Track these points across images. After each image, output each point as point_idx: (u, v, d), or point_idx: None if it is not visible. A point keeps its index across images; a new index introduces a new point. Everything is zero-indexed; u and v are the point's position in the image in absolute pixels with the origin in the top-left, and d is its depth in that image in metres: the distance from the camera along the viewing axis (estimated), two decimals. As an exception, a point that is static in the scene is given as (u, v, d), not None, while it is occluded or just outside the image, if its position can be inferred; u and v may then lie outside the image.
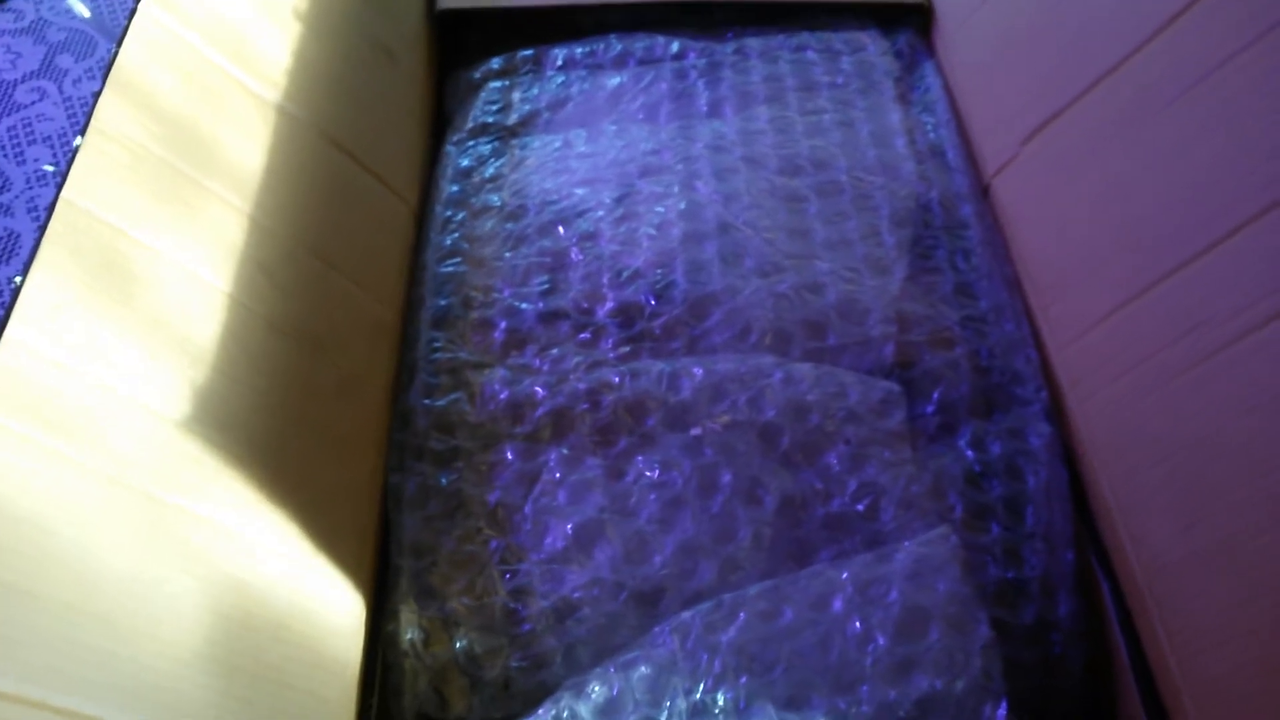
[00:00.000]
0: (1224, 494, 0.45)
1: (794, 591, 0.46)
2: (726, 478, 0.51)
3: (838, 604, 0.46)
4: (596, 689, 0.43)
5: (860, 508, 0.50)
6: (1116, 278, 0.53)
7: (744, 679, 0.43)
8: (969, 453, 0.52)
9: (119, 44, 0.48)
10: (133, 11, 0.50)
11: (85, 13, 0.48)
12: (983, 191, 0.65)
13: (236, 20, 0.53)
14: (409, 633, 0.47)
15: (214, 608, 0.40)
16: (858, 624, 0.45)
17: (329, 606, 0.46)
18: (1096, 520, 0.51)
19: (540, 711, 0.44)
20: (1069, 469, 0.52)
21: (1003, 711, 0.43)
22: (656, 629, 0.45)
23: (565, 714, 0.43)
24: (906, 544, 0.48)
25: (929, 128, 0.68)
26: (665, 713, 0.43)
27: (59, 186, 0.42)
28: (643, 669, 0.44)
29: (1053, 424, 0.53)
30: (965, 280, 0.59)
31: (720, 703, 0.43)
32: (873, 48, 0.73)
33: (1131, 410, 0.50)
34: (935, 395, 0.54)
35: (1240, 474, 0.44)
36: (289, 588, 0.44)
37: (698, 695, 0.43)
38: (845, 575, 0.47)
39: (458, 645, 0.47)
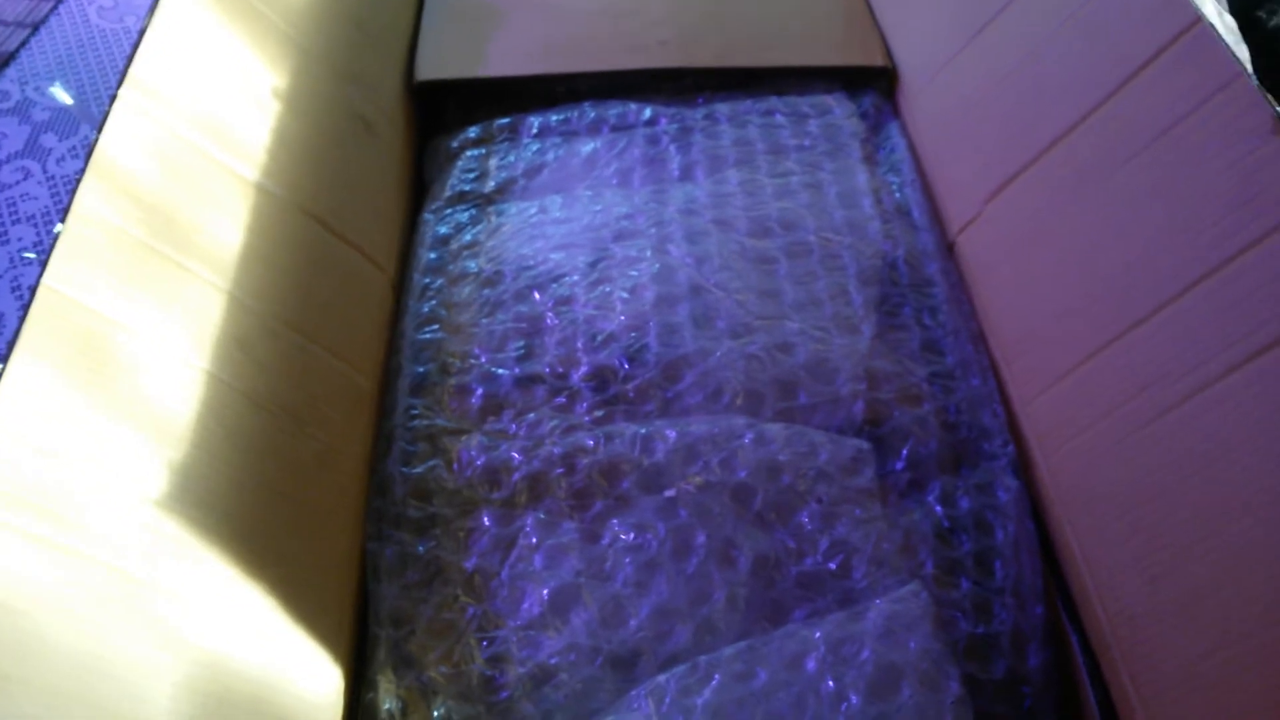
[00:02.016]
0: (1185, 547, 0.46)
1: (768, 652, 0.47)
2: (701, 539, 0.52)
3: (811, 664, 0.46)
4: (573, 756, 0.44)
5: (833, 566, 0.51)
6: (1077, 334, 0.54)
7: (719, 742, 0.44)
8: (938, 508, 0.53)
9: (100, 130, 0.50)
10: (114, 98, 0.52)
11: (68, 100, 0.50)
12: (948, 249, 0.66)
13: (216, 101, 0.55)
14: (387, 703, 0.48)
15: (193, 685, 0.40)
16: (831, 683, 0.46)
17: (307, 678, 0.46)
18: (1065, 573, 0.52)
19: (518, 780, 0.44)
20: (1037, 523, 0.53)
21: (975, 769, 0.43)
22: (632, 693, 0.46)
23: (543, 781, 0.44)
24: (878, 601, 0.48)
25: (895, 187, 0.70)
26: (642, 778, 0.43)
27: (41, 271, 0.43)
28: (619, 734, 0.44)
29: (1020, 479, 0.54)
30: (932, 337, 0.61)
31: (696, 767, 0.43)
32: (839, 110, 0.75)
33: (1095, 464, 0.51)
34: (905, 452, 0.55)
35: (1200, 527, 0.45)
36: (267, 661, 0.44)
37: (674, 759, 0.44)
38: (818, 635, 0.47)
39: (436, 714, 0.48)
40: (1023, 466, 0.55)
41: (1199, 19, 0.52)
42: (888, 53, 0.78)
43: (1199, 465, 0.46)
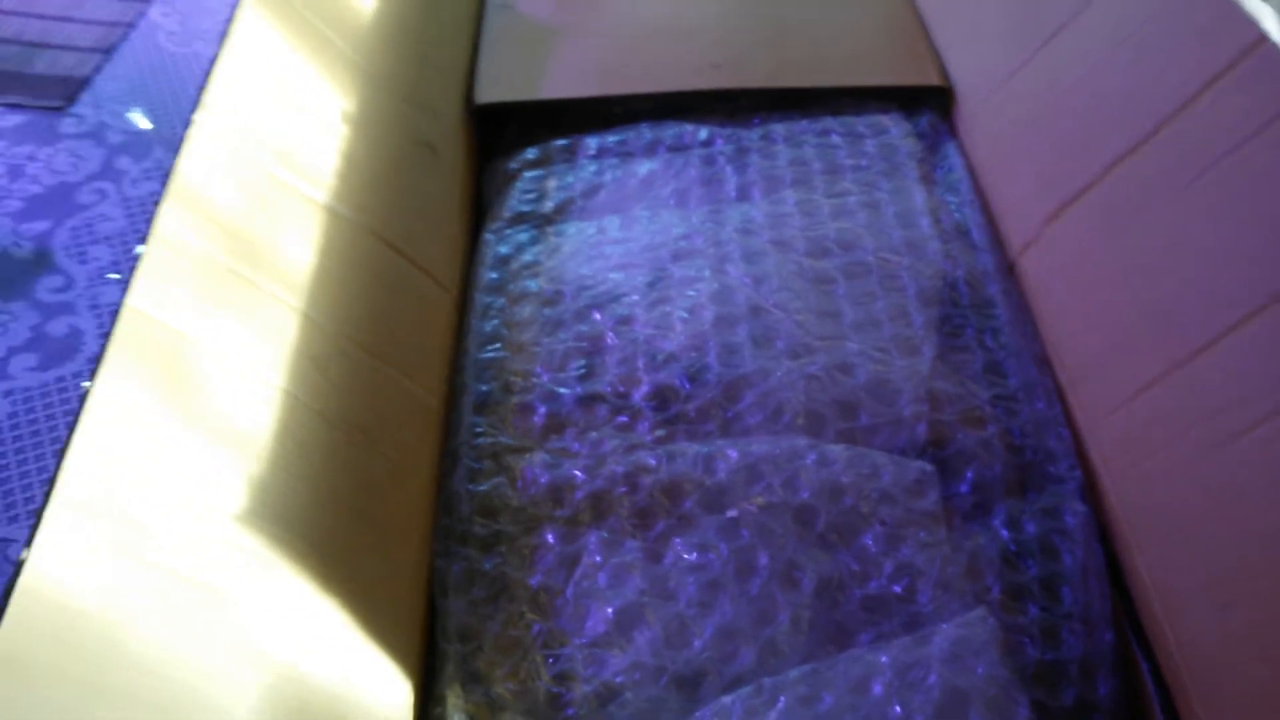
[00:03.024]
0: (1259, 574, 0.45)
1: (833, 675, 0.47)
2: (764, 560, 0.52)
3: (877, 688, 0.46)
4: (640, 775, 0.44)
5: (898, 589, 0.51)
6: (1144, 357, 0.53)
7: (786, 765, 0.44)
8: (1004, 532, 0.53)
9: (177, 154, 0.51)
10: (189, 123, 0.53)
11: (147, 125, 0.51)
12: (1008, 269, 0.66)
13: (287, 126, 0.56)
14: (456, 717, 0.48)
15: (269, 696, 0.41)
16: (898, 708, 0.45)
17: (379, 692, 0.47)
18: (1134, 599, 0.51)
19: (585, 798, 0.44)
20: (1105, 548, 0.53)
21: (1046, 797, 0.43)
22: (697, 714, 0.46)
23: (610, 800, 0.44)
24: (944, 626, 0.48)
25: (953, 207, 0.70)
26: (708, 799, 0.43)
27: (124, 291, 0.44)
28: (685, 755, 0.44)
29: (1087, 503, 0.54)
30: (994, 359, 0.61)
31: (763, 789, 0.43)
32: (895, 130, 0.75)
33: (1165, 489, 0.51)
34: (969, 475, 0.55)
35: (1273, 554, 0.45)
36: (340, 675, 0.45)
37: (740, 781, 0.44)
38: (884, 659, 0.47)
39: (503, 731, 0.48)
40: (1090, 490, 0.55)
41: (1264, 38, 0.51)
42: (944, 72, 0.78)
43: (1271, 491, 0.46)
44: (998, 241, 0.67)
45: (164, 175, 0.50)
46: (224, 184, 0.51)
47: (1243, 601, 0.46)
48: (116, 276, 0.48)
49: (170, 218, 0.48)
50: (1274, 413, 0.46)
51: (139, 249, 0.47)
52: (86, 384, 0.41)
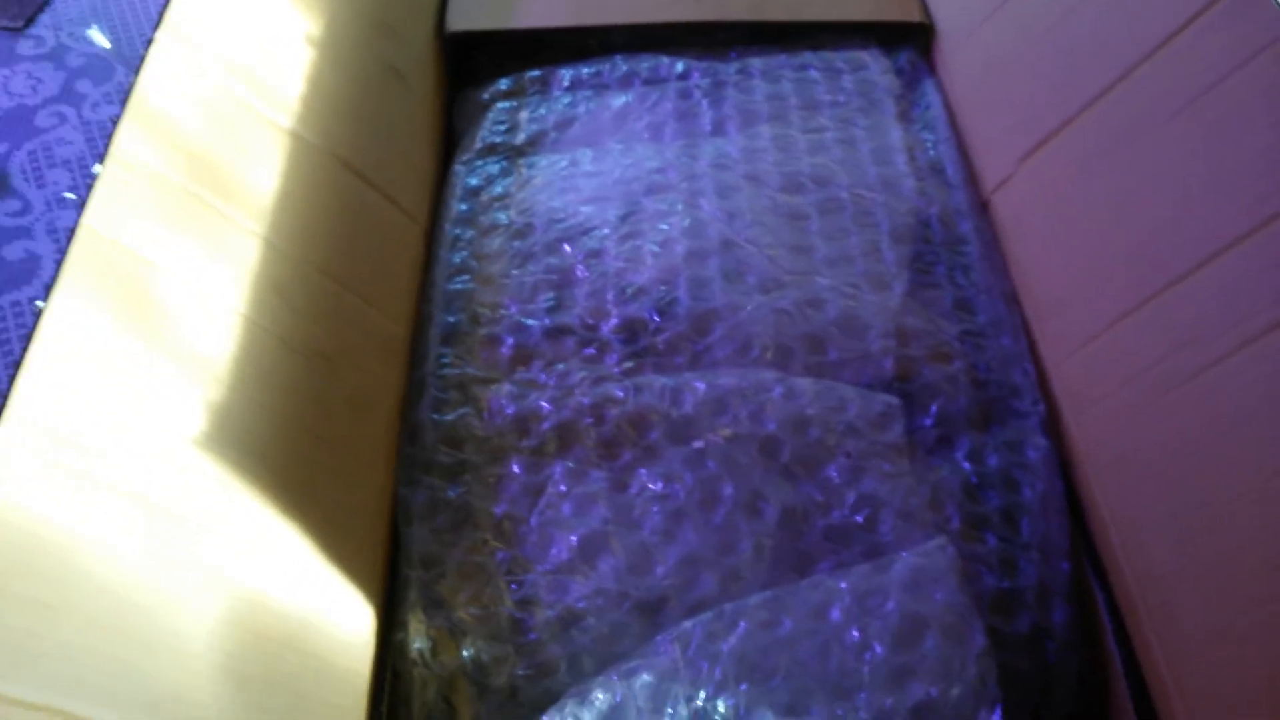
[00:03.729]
0: (1218, 506, 0.46)
1: (794, 601, 0.47)
2: (728, 490, 0.52)
3: (836, 614, 0.47)
4: (600, 696, 0.45)
5: (859, 519, 0.51)
6: (1113, 293, 0.54)
7: (744, 687, 0.45)
8: (966, 465, 0.53)
9: (137, 73, 0.50)
10: (150, 41, 0.52)
11: (106, 44, 0.50)
12: (982, 207, 0.66)
13: (250, 47, 0.55)
14: (417, 642, 0.49)
15: (230, 620, 0.41)
16: (856, 633, 0.46)
17: (341, 618, 0.47)
18: (1092, 531, 0.52)
19: (545, 718, 0.45)
20: (1065, 481, 0.53)
21: (997, 717, 0.44)
22: (659, 638, 0.46)
23: (570, 721, 0.45)
24: (904, 554, 0.49)
25: (929, 145, 0.69)
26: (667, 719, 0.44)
27: (80, 212, 0.44)
28: (645, 677, 0.45)
29: (1049, 437, 0.54)
30: (964, 295, 0.61)
31: (721, 710, 0.44)
32: (874, 66, 0.74)
33: (1127, 423, 0.51)
34: (934, 408, 0.55)
35: (1234, 487, 0.45)
36: (302, 600, 0.45)
37: (699, 702, 0.44)
38: (844, 585, 0.48)
39: (465, 654, 0.48)
40: (1052, 425, 0.55)
41: (1246, -26, 0.51)
42: (925, 8, 0.76)
43: (1234, 425, 0.46)
44: (972, 179, 0.67)
45: (125, 98, 0.49)
46: (185, 105, 0.50)
47: (1201, 534, 0.46)
48: (72, 196, 0.47)
49: (129, 138, 0.46)
50: (1239, 347, 0.47)
51: (96, 168, 0.46)
52: (41, 303, 0.41)
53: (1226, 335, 0.47)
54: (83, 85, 0.59)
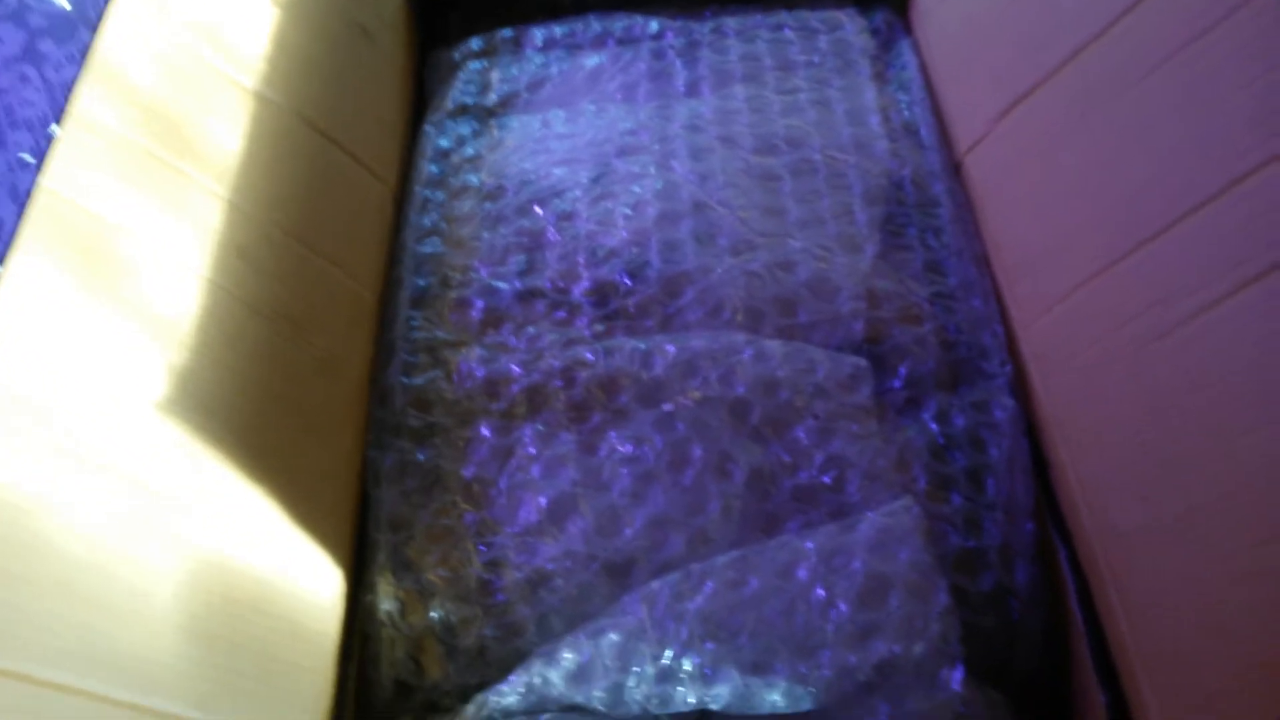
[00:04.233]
0: (1181, 466, 0.46)
1: (760, 561, 0.48)
2: (697, 452, 0.52)
3: (802, 573, 0.47)
4: (568, 656, 0.45)
5: (827, 480, 0.52)
6: (1083, 254, 0.53)
7: (710, 645, 0.45)
8: (934, 426, 0.53)
9: (95, 32, 0.49)
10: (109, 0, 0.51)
11: (66, 5, 0.49)
12: (955, 169, 0.65)
13: (214, 6, 0.54)
14: (386, 604, 0.49)
15: (197, 583, 0.41)
16: (821, 592, 0.46)
17: (309, 579, 0.47)
18: (1056, 491, 0.52)
19: (513, 678, 0.45)
20: (1031, 441, 0.54)
21: (959, 674, 0.44)
22: (626, 598, 0.47)
23: (537, 680, 0.45)
24: (870, 514, 0.49)
25: (904, 106, 0.69)
26: (634, 678, 0.44)
27: (38, 172, 0.43)
28: (612, 636, 0.45)
29: (1016, 398, 0.54)
30: (936, 257, 0.60)
31: (687, 668, 0.45)
32: (850, 26, 0.73)
33: (1093, 383, 0.51)
34: (903, 370, 0.55)
35: (1197, 447, 0.45)
36: (269, 563, 0.45)
37: (665, 661, 0.45)
38: (810, 545, 0.48)
39: (433, 615, 0.49)
40: (1020, 386, 0.55)
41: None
42: (901, -33, 0.76)
43: (1202, 384, 0.46)
44: (946, 141, 0.67)
45: (85, 56, 0.48)
46: (146, 64, 0.49)
47: (1162, 493, 0.47)
48: (29, 158, 0.47)
49: (88, 98, 0.46)
50: (1209, 306, 0.47)
51: (53, 128, 0.45)
52: (-1, 267, 0.40)
53: (1191, 297, 0.47)
54: (45, 45, 0.58)
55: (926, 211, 0.63)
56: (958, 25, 0.69)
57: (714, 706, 0.44)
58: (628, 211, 0.61)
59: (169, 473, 0.42)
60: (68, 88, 0.53)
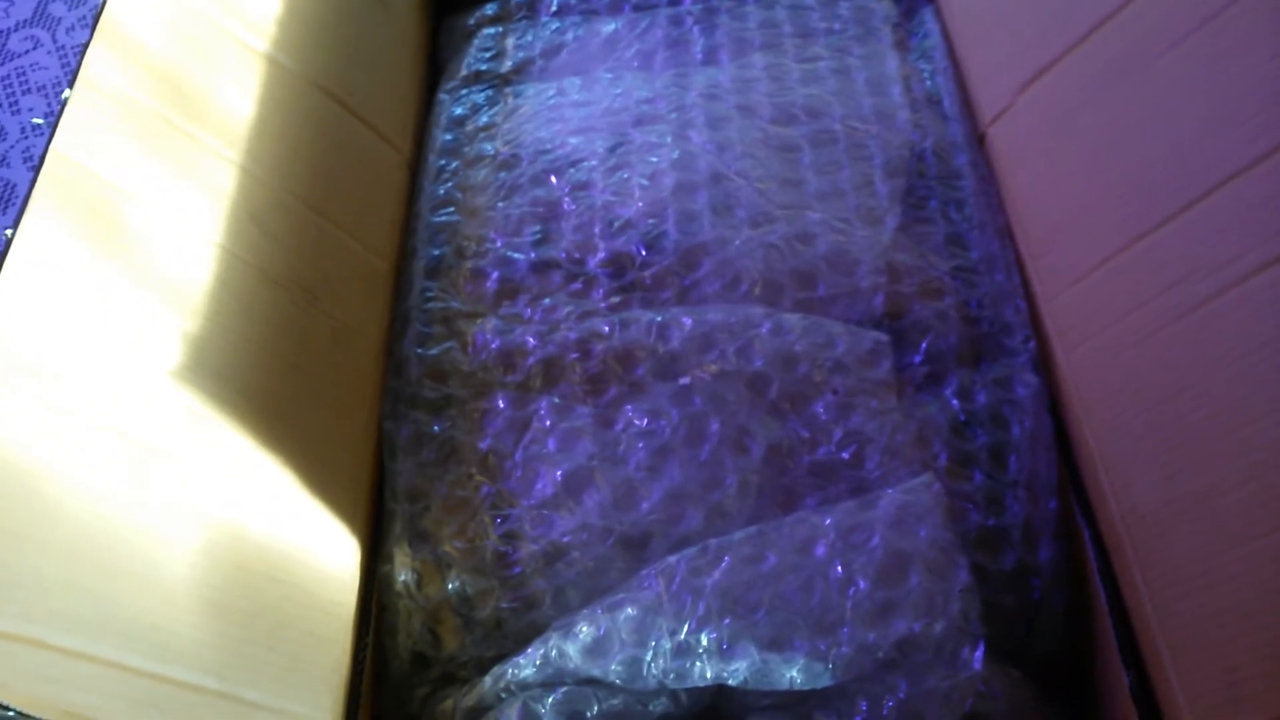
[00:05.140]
0: (1206, 443, 0.45)
1: (778, 537, 0.47)
2: (714, 426, 0.52)
3: (821, 549, 0.47)
4: (584, 629, 0.45)
5: (846, 455, 0.51)
6: (1107, 228, 0.53)
7: (727, 621, 0.45)
8: (955, 402, 0.53)
9: (107, -5, 0.48)
10: (121, -40, 0.50)
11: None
12: (978, 140, 0.64)
13: (226, -32, 0.53)
14: (403, 575, 0.49)
15: (211, 552, 0.41)
16: (839, 568, 0.46)
17: (325, 550, 0.47)
18: (1080, 468, 0.51)
19: (530, 651, 0.45)
20: (1054, 418, 0.53)
21: (979, 654, 0.44)
22: (643, 572, 0.46)
23: (554, 653, 0.45)
24: (890, 491, 0.48)
25: (926, 75, 0.68)
26: (650, 652, 0.44)
27: (50, 137, 0.42)
28: (629, 610, 0.45)
29: (1039, 374, 0.54)
30: (957, 231, 0.59)
31: (704, 643, 0.44)
32: (871, -7, 0.72)
33: (1118, 360, 0.50)
34: (923, 345, 0.55)
35: (1222, 424, 0.45)
36: (285, 532, 0.45)
37: (682, 636, 0.44)
38: (829, 521, 0.47)
39: (450, 587, 0.48)
40: (1043, 362, 0.55)
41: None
42: (925, -67, 0.74)
43: (1226, 361, 0.45)
44: (969, 111, 0.65)
45: (97, 20, 0.48)
46: (158, 28, 0.49)
47: (1187, 470, 0.46)
48: (40, 121, 0.46)
49: (99, 61, 0.45)
50: (1233, 283, 0.46)
51: (65, 93, 0.45)
52: (10, 231, 0.40)
53: (1218, 273, 0.46)
54: (56, 8, 0.57)
55: (949, 184, 0.61)
56: (982, -7, 0.68)
57: (731, 682, 0.44)
58: (644, 182, 0.60)
59: (183, 440, 0.41)
60: (80, 51, 0.52)
